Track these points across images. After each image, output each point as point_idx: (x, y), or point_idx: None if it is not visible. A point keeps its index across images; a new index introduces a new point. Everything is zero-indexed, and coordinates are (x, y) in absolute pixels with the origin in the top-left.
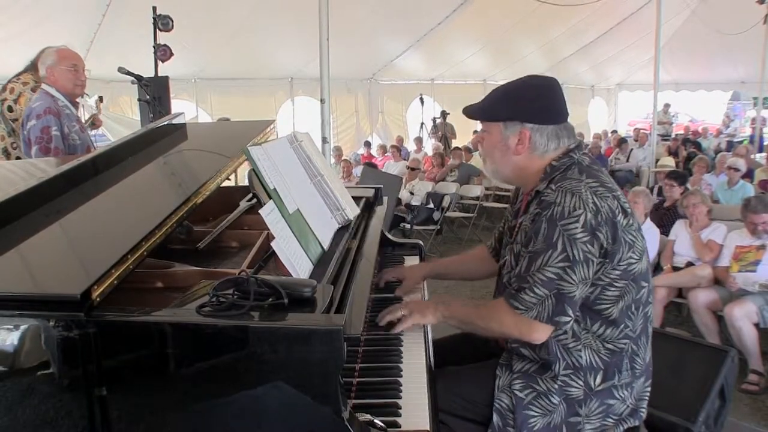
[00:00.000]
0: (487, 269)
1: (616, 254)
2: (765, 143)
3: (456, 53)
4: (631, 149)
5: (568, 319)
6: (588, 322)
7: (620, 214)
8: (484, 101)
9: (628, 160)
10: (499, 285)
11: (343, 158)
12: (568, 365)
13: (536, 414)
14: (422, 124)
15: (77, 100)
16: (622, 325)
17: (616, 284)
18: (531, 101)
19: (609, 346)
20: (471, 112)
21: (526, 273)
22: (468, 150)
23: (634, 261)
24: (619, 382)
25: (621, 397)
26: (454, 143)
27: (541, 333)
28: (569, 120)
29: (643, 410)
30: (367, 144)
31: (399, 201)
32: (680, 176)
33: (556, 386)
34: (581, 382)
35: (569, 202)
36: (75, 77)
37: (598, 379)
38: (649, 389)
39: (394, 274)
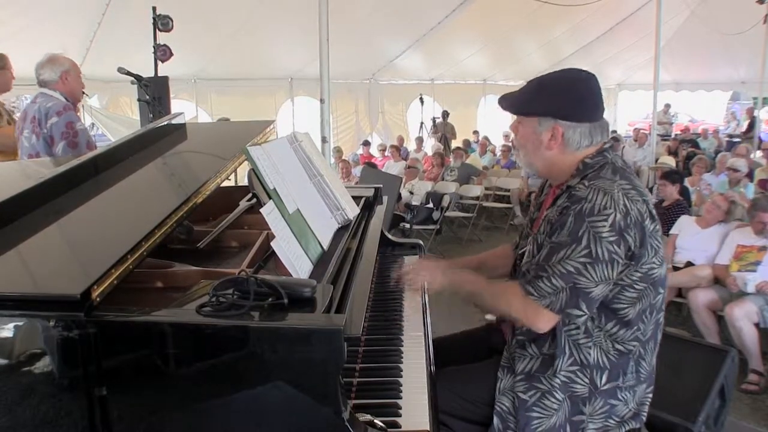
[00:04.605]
0: (510, 266)
1: (642, 258)
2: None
3: (456, 53)
4: (623, 146)
5: (581, 313)
6: (602, 320)
7: (648, 219)
8: (519, 93)
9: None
10: (513, 276)
11: (342, 158)
12: (575, 361)
13: (540, 416)
14: (422, 124)
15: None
16: (635, 327)
17: (635, 286)
18: (566, 97)
19: (618, 346)
20: (505, 105)
21: (545, 262)
22: (465, 151)
23: (656, 266)
24: (624, 384)
25: (624, 398)
26: (454, 143)
27: (545, 322)
28: None
29: (644, 414)
30: (366, 143)
31: (399, 198)
32: (673, 175)
33: (559, 382)
34: (587, 380)
35: (600, 201)
36: (81, 83)
37: (604, 378)
38: (650, 395)
39: None
